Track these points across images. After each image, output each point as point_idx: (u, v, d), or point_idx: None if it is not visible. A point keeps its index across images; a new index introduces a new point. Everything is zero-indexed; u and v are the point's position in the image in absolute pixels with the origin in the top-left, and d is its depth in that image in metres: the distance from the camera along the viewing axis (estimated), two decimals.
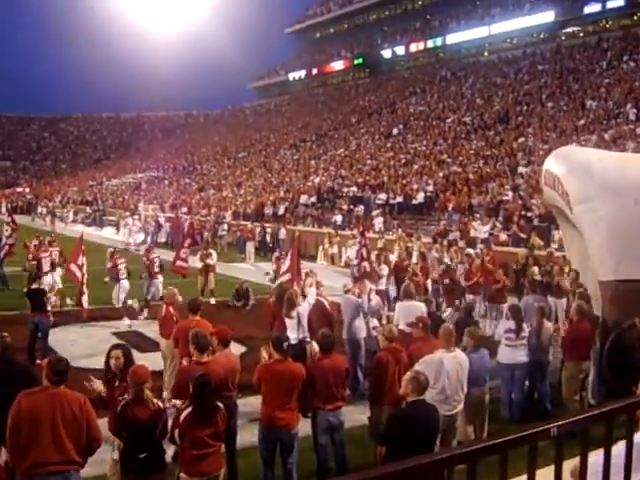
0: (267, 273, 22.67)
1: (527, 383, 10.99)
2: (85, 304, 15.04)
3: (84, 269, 14.67)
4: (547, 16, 57.41)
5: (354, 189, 38.55)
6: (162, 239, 40.33)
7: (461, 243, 23.86)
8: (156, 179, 73.09)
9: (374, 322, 12.68)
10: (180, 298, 12.01)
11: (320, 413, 8.31)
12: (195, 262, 21.00)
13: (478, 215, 27.46)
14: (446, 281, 17.48)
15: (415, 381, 6.89)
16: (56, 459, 5.97)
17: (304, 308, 11.75)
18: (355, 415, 9.71)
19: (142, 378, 6.82)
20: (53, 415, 5.97)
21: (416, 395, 6.86)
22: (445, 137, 44.19)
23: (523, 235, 24.15)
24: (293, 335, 10.99)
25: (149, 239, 39.66)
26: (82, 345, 15.02)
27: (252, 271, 26.93)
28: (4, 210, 58.59)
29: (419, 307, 11.76)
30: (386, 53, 76.83)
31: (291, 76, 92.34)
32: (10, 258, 23.10)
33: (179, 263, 19.05)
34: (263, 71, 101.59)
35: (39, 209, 62.84)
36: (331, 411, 8.27)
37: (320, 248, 30.91)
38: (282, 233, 34.09)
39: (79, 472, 6.22)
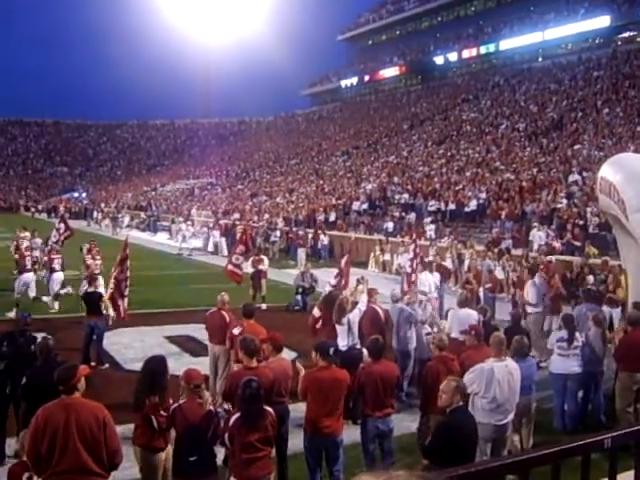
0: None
1: (580, 394, 10.81)
2: (124, 306, 15.13)
3: (127, 273, 14.75)
4: (602, 21, 56.59)
5: (406, 196, 38.39)
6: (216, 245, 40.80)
7: (514, 251, 23.57)
8: (209, 185, 73.75)
9: (426, 329, 12.60)
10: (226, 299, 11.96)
11: (369, 420, 8.27)
12: (247, 268, 21.11)
13: (536, 223, 27.06)
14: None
15: (460, 390, 6.89)
16: (72, 469, 5.95)
17: (355, 315, 11.73)
18: (405, 423, 9.68)
19: (195, 381, 6.90)
20: (67, 425, 5.95)
21: (461, 401, 6.87)
22: (498, 144, 43.76)
23: (577, 243, 23.79)
24: (343, 342, 10.99)
25: (206, 244, 39.98)
26: (135, 348, 15.23)
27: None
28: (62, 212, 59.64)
29: (472, 315, 11.66)
30: (438, 60, 76.48)
31: (343, 83, 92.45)
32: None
33: (230, 268, 19.17)
34: (315, 78, 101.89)
35: (95, 214, 63.92)
36: (380, 418, 8.22)
37: (371, 255, 30.85)
38: (324, 239, 34.29)
39: None
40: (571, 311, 12.88)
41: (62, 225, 23.66)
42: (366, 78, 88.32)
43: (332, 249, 35.19)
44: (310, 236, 35.25)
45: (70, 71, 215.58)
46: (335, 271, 15.05)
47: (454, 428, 6.68)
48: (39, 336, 10.05)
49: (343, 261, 14.88)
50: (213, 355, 11.57)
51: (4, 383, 8.64)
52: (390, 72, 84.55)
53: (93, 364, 13.41)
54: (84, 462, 5.97)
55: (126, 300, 14.55)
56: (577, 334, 10.66)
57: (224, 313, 11.57)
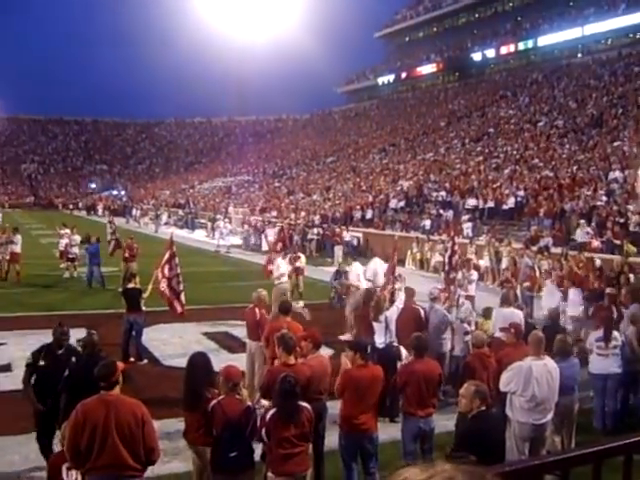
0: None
1: (621, 394, 10.68)
2: (182, 302, 15.26)
3: (177, 270, 14.89)
4: None
5: (443, 194, 38.19)
6: (254, 242, 41.09)
7: (554, 249, 23.34)
8: (246, 183, 74.05)
9: (465, 327, 12.52)
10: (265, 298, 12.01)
11: (411, 419, 8.20)
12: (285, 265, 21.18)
13: (582, 221, 26.78)
14: None
15: (480, 395, 6.83)
16: (110, 464, 6.05)
17: (392, 312, 11.72)
18: (441, 421, 9.65)
19: (235, 378, 6.97)
20: (107, 421, 6.05)
21: (480, 407, 6.80)
22: (537, 141, 43.35)
23: (617, 242, 23.50)
24: (380, 339, 10.99)
25: (248, 242, 40.33)
26: (174, 344, 15.36)
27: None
28: (101, 212, 60.46)
29: (517, 314, 11.57)
30: (476, 56, 75.97)
31: (380, 80, 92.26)
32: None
33: (270, 267, 19.46)
34: (352, 75, 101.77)
35: (134, 211, 64.62)
36: (422, 418, 8.15)
37: (408, 253, 30.77)
38: (347, 236, 34.43)
39: (139, 478, 6.27)
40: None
41: (113, 226, 24.61)
42: (403, 75, 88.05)
43: (357, 246, 35.35)
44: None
45: (109, 70, 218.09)
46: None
47: (475, 434, 6.63)
48: (78, 333, 10.21)
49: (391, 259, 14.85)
50: (250, 351, 11.61)
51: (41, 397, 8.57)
52: (427, 69, 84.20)
53: (132, 360, 13.56)
54: (122, 458, 6.08)
55: (182, 295, 14.67)
56: (616, 333, 10.52)
57: (256, 310, 11.63)
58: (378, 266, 17.85)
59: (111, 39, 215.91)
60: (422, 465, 1.29)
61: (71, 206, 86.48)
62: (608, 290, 13.55)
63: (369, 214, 40.40)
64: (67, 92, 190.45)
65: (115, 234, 24.54)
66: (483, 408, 6.84)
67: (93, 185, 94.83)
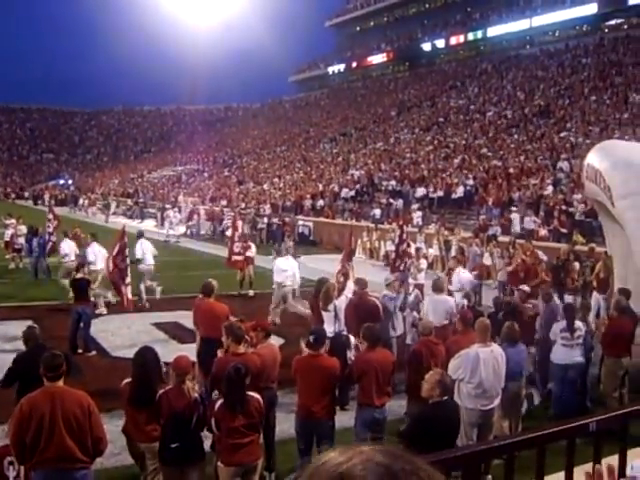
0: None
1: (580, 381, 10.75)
2: (129, 295, 15.19)
3: (127, 261, 14.80)
4: (590, 8, 56.58)
5: (393, 183, 38.41)
6: (202, 232, 40.93)
7: (502, 238, 23.65)
8: (196, 172, 73.54)
9: (414, 316, 12.62)
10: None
11: (366, 409, 8.19)
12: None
13: (515, 208, 27.28)
14: None
15: (442, 385, 6.89)
16: (57, 457, 6.00)
17: (341, 301, 11.75)
18: (393, 408, 9.70)
19: (184, 369, 6.94)
20: (53, 413, 6.00)
21: (442, 396, 6.87)
22: (485, 131, 43.84)
23: (564, 230, 23.90)
24: (330, 328, 11.02)
25: (190, 232, 40.41)
26: (122, 335, 15.21)
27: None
28: (47, 202, 59.52)
29: (448, 301, 11.71)
30: (426, 46, 76.38)
31: (331, 69, 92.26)
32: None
33: (235, 258, 19.46)
34: (303, 64, 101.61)
35: (80, 201, 63.80)
36: (378, 407, 8.17)
37: (359, 242, 30.88)
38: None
39: (87, 470, 6.23)
40: (557, 300, 12.91)
41: (51, 215, 23.63)
42: (354, 64, 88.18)
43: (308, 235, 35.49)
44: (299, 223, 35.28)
45: (56, 57, 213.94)
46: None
47: (431, 420, 6.70)
48: (24, 326, 10.05)
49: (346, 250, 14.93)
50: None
51: None
52: (377, 59, 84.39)
53: (80, 351, 13.40)
54: (70, 450, 6.03)
55: (129, 288, 14.54)
56: (579, 323, 10.62)
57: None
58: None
59: (57, 25, 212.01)
60: (341, 448, 1.31)
61: (13, 195, 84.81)
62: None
63: (320, 203, 40.44)
64: (13, 79, 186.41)
65: (54, 234, 23.51)
66: (445, 398, 6.91)
67: (62, 181, 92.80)
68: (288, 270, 16.76)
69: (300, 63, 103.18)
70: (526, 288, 12.86)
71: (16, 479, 6.36)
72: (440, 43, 74.57)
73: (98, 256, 17.84)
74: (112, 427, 8.06)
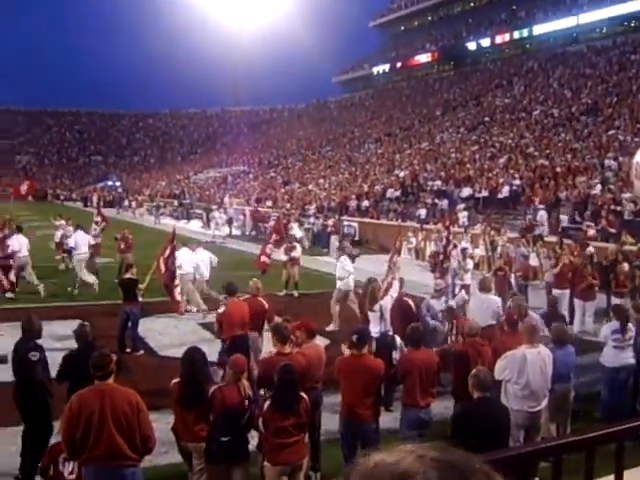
0: None
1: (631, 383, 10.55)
2: (178, 297, 15.39)
3: (176, 262, 15.02)
4: (637, 4, 55.58)
5: (438, 183, 38.20)
6: (248, 232, 41.20)
7: (549, 238, 23.39)
8: (242, 173, 73.94)
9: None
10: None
11: (411, 409, 8.17)
12: (280, 255, 21.20)
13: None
14: None
15: (475, 378, 6.84)
16: (107, 454, 6.09)
17: (387, 302, 11.73)
18: (439, 410, 9.66)
19: (241, 367, 7.03)
20: (102, 411, 6.09)
21: (480, 392, 6.81)
22: (532, 130, 43.34)
23: (612, 230, 23.53)
24: (375, 328, 11.01)
25: (236, 232, 40.65)
26: (170, 335, 15.37)
27: (335, 265, 26.89)
28: (95, 203, 60.43)
29: (494, 300, 11.60)
30: (471, 45, 75.82)
31: (375, 70, 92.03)
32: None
33: (263, 258, 19.47)
34: (347, 65, 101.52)
35: (125, 202, 64.68)
36: (423, 408, 8.14)
37: (404, 242, 30.78)
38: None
39: (136, 467, 6.32)
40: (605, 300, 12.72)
41: (99, 217, 24.01)
42: (398, 65, 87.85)
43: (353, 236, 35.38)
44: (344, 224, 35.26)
45: (105, 61, 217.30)
46: None
47: (473, 417, 6.66)
48: (74, 325, 10.21)
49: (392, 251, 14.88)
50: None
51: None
52: (422, 58, 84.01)
53: (128, 350, 13.57)
54: (119, 447, 6.11)
55: (178, 289, 14.76)
56: (629, 324, 10.43)
57: (261, 300, 11.73)
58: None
59: (105, 30, 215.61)
60: (387, 449, 1.31)
61: (62, 197, 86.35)
62: None
63: (364, 204, 40.40)
64: (62, 84, 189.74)
65: (99, 237, 23.80)
66: (486, 395, 6.86)
67: (110, 183, 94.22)
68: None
69: (344, 64, 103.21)
70: None
71: (70, 475, 6.49)
72: (485, 42, 73.96)
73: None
74: (160, 425, 8.14)
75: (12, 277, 17.27)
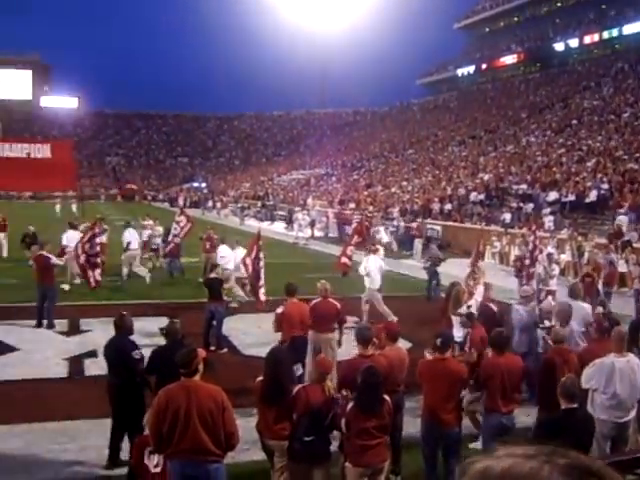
0: (424, 268, 22.47)
1: None
2: (262, 297, 15.59)
3: (261, 263, 15.21)
4: None
5: (524, 186, 37.61)
6: (332, 234, 41.38)
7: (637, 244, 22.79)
8: (325, 175, 74.27)
9: (545, 323, 12.31)
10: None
11: (493, 415, 8.07)
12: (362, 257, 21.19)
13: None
14: None
15: (563, 388, 6.73)
16: (192, 449, 6.23)
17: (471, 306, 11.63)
18: (520, 417, 9.52)
19: (327, 369, 7.11)
20: (188, 407, 6.22)
21: (567, 403, 6.69)
22: (621, 133, 42.23)
23: None
24: (459, 333, 10.92)
25: (319, 234, 40.91)
26: (253, 334, 15.56)
27: (419, 268, 26.78)
28: (181, 203, 61.70)
29: (584, 307, 11.35)
30: (558, 46, 74.45)
31: (460, 72, 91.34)
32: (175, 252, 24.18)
33: (344, 260, 19.46)
34: (431, 67, 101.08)
35: (210, 203, 65.78)
36: (505, 414, 8.03)
37: (488, 247, 30.44)
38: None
39: (220, 463, 6.43)
40: None
41: (182, 218, 24.35)
42: (483, 66, 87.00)
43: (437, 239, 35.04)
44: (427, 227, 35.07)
45: (190, 65, 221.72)
46: None
47: (554, 428, 6.54)
48: (160, 322, 10.45)
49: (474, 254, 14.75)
50: (315, 341, 11.70)
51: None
52: (508, 60, 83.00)
53: (213, 348, 13.80)
54: (203, 443, 6.24)
55: (263, 290, 14.99)
56: None
57: (333, 301, 11.80)
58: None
59: (193, 34, 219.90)
60: (490, 453, 1.27)
61: (149, 197, 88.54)
62: None
63: (447, 207, 40.10)
64: (150, 87, 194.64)
65: (178, 237, 24.24)
66: (574, 405, 6.74)
67: (196, 184, 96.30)
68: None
69: (428, 66, 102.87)
70: None
71: (156, 468, 6.67)
72: (573, 42, 72.54)
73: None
74: (243, 423, 8.26)
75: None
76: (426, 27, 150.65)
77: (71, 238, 20.66)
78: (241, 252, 18.72)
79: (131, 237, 22.49)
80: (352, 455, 6.86)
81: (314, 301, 11.88)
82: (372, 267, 17.19)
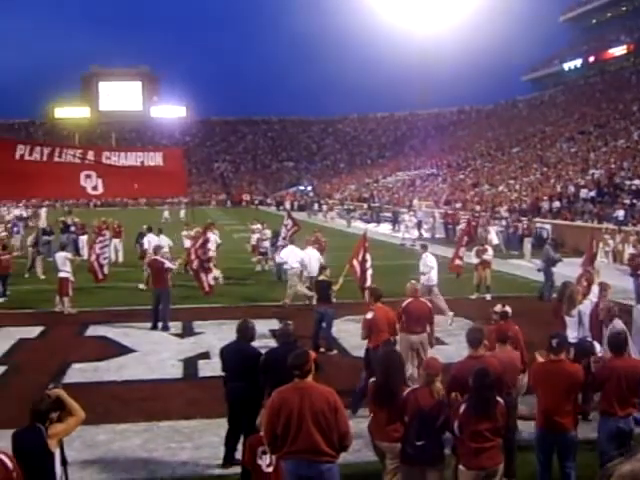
0: (539, 270, 22.01)
1: None
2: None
3: (367, 264, 15.29)
4: None
5: (637, 182, 36.41)
6: (439, 235, 41.08)
7: None
8: (430, 176, 73.75)
9: None
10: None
11: (610, 419, 7.75)
12: (471, 258, 21.00)
13: None
14: None
15: None
16: (305, 449, 6.27)
17: (585, 306, 11.33)
18: None
19: (436, 370, 7.05)
20: (301, 408, 6.27)
21: None
22: None
23: None
24: (573, 334, 10.67)
25: (426, 235, 40.71)
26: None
27: (529, 268, 26.28)
28: (288, 207, 62.58)
29: None
30: None
31: (566, 66, 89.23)
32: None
33: (457, 262, 19.41)
34: (536, 62, 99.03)
35: (316, 206, 66.34)
36: (622, 418, 7.71)
37: (600, 245, 29.56)
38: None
39: (333, 464, 6.43)
40: None
41: (289, 221, 24.66)
42: (591, 59, 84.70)
43: (546, 238, 34.18)
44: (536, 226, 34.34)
45: (293, 70, 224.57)
46: None
47: None
48: (270, 324, 10.57)
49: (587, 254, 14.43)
50: (409, 342, 11.67)
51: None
52: (617, 51, 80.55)
53: (322, 350, 13.91)
54: (317, 443, 6.29)
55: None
56: None
57: (424, 301, 11.88)
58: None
59: (295, 41, 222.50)
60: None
61: (256, 202, 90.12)
62: None
63: (557, 205, 39.21)
64: (254, 93, 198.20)
65: (287, 239, 24.61)
66: None
67: (301, 188, 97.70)
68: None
69: (533, 61, 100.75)
70: None
71: (268, 467, 6.80)
72: None
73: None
74: (353, 424, 8.32)
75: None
76: (530, 21, 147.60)
77: (153, 242, 22.07)
78: (312, 252, 19.59)
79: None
80: (465, 458, 6.79)
81: (405, 302, 11.90)
82: (429, 264, 17.36)
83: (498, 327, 8.81)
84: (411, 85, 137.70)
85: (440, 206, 50.63)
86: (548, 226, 35.98)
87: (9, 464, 5.26)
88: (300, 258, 19.17)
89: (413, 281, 12.33)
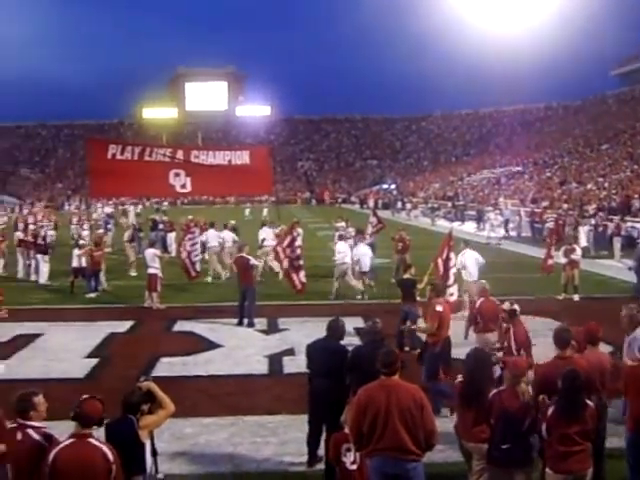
0: (629, 268, 21.45)
1: None
2: (450, 298, 15.45)
3: (451, 263, 15.17)
4: None
5: None
6: (525, 233, 40.50)
7: None
8: (516, 174, 72.55)
9: None
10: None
11: None
12: (559, 257, 20.62)
13: None
14: None
15: None
16: (391, 447, 6.28)
17: None
18: None
19: (520, 370, 6.97)
20: (388, 406, 6.29)
21: None
22: None
23: None
24: None
25: (513, 233, 40.22)
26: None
27: (618, 268, 25.61)
28: (372, 205, 62.68)
29: None
30: None
31: None
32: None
33: (550, 262, 19.28)
34: (627, 56, 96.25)
35: (399, 204, 66.21)
36: None
37: None
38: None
39: (418, 462, 6.41)
40: None
41: (374, 219, 24.77)
42: None
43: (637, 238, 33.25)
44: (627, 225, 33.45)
45: (375, 69, 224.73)
46: None
47: None
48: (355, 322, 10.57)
49: None
50: (487, 342, 11.42)
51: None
52: None
53: (406, 349, 13.86)
54: (403, 441, 6.30)
55: (451, 290, 15.04)
56: None
57: (495, 300, 11.81)
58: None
59: (376, 39, 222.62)
60: None
61: (340, 200, 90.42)
62: None
63: None
64: (337, 91, 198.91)
65: (372, 236, 24.95)
66: None
67: (385, 186, 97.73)
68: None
69: (623, 55, 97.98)
70: None
71: (352, 465, 6.84)
72: None
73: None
74: (438, 423, 8.28)
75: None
76: (618, 13, 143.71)
77: (227, 238, 24.51)
78: (364, 248, 20.82)
79: (266, 234, 24.36)
80: (553, 461, 6.68)
81: (478, 302, 12.06)
82: (468, 261, 17.56)
83: (588, 328, 8.61)
84: (496, 81, 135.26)
85: (526, 204, 49.74)
86: (639, 225, 34.98)
87: (110, 456, 5.46)
88: (354, 255, 20.59)
89: (483, 281, 12.23)
